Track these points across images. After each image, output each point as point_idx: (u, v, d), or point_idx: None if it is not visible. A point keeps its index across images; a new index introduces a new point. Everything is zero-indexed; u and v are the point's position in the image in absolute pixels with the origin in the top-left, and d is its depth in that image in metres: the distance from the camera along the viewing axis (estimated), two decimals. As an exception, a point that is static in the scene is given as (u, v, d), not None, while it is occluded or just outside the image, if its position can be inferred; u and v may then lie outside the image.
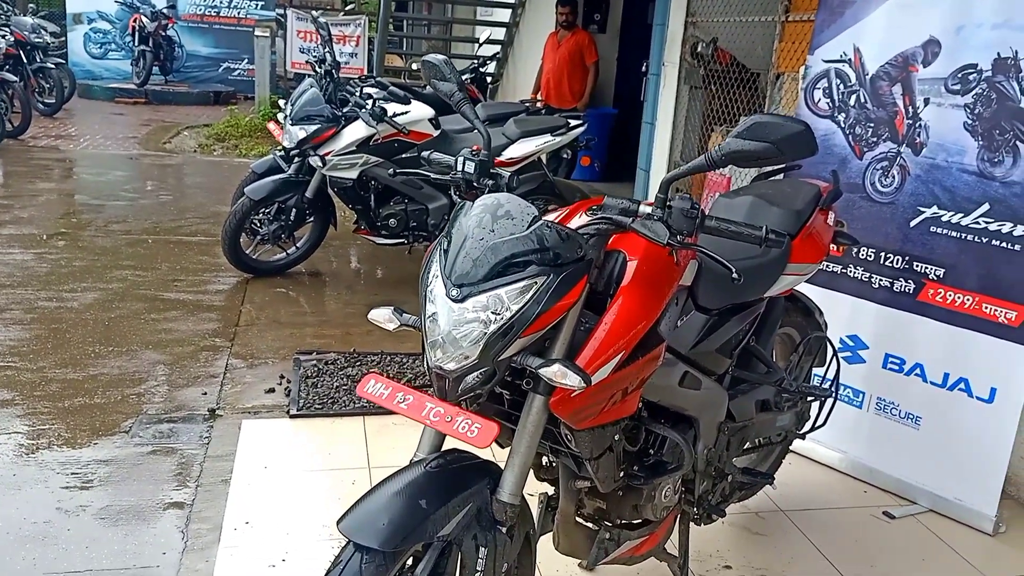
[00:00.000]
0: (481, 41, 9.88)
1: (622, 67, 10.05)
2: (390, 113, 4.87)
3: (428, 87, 6.21)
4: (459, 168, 1.93)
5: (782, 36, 4.96)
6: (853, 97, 3.06)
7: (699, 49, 6.21)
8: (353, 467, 3.13)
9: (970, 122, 2.75)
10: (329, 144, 4.94)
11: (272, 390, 3.76)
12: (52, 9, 15.75)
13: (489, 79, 9.89)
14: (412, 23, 15.95)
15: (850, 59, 3.07)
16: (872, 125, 3.02)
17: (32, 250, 5.53)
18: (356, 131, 4.92)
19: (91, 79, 14.05)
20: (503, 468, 1.71)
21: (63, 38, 14.93)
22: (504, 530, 1.69)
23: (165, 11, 14.10)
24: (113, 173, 8.46)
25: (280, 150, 5.40)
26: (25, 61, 10.58)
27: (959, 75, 2.77)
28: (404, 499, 1.59)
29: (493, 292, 1.55)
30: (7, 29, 10.42)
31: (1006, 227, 2.68)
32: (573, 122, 5.28)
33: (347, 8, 18.95)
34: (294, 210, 5.18)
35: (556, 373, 1.56)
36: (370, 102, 4.88)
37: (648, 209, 1.68)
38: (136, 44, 13.71)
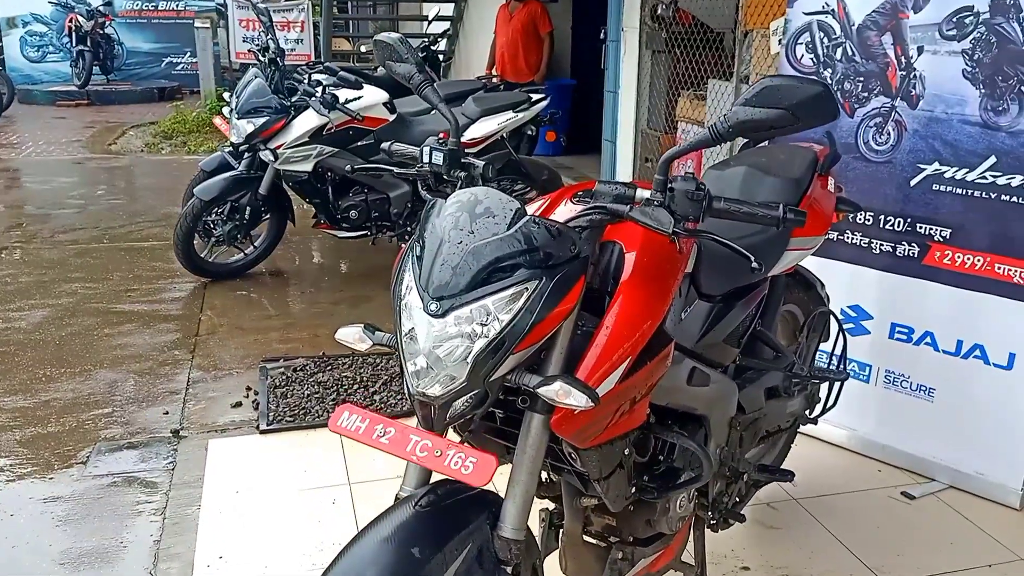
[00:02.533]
0: (430, 18, 9.58)
1: (577, 36, 9.77)
2: (342, 100, 4.59)
3: (380, 69, 5.82)
4: (425, 160, 1.69)
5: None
6: (839, 50, 2.86)
7: (659, 11, 5.99)
8: (332, 484, 2.90)
9: (969, 70, 2.56)
10: (280, 136, 4.65)
11: (239, 404, 3.51)
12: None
13: (441, 57, 9.58)
14: (357, 5, 15.52)
15: (833, 9, 2.86)
16: (862, 79, 2.82)
17: (-28, 269, 5.20)
18: (307, 121, 4.64)
19: (30, 84, 13.48)
20: (502, 497, 1.50)
21: (-4, 43, 14.32)
22: (509, 570, 1.48)
23: (101, 8, 13.54)
24: (59, 180, 8.05)
25: (228, 146, 5.10)
26: (-43, 68, 10.07)
27: (954, 19, 2.57)
28: (394, 547, 1.37)
29: (478, 303, 1.33)
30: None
31: (1016, 180, 2.50)
32: (535, 96, 5.03)
33: (289, -7, 18.44)
34: (248, 208, 4.90)
35: (558, 392, 1.34)
36: (319, 89, 4.60)
37: (647, 193, 1.47)
38: (74, 45, 13.16)
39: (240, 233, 4.98)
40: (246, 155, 4.82)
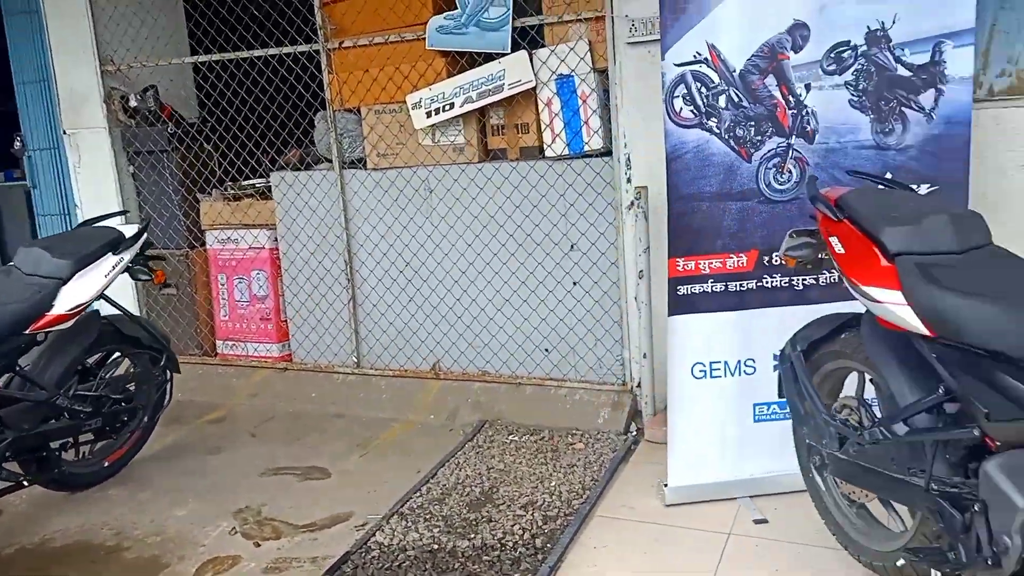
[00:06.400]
0: None
1: None
2: None
3: None
4: None
5: (331, 66, 4.08)
6: (722, 98, 2.72)
7: (133, 103, 4.68)
8: None
9: (855, 99, 2.72)
10: None
11: None
12: None
13: None
14: None
15: (707, 59, 2.70)
16: (753, 123, 2.74)
17: None
18: None
19: None
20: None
21: None
22: None
23: None
24: None
25: None
26: None
27: (832, 55, 2.70)
28: None
29: None
30: None
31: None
32: (125, 229, 3.38)
33: None
34: None
35: None
36: None
37: None
38: None
39: None
40: None
